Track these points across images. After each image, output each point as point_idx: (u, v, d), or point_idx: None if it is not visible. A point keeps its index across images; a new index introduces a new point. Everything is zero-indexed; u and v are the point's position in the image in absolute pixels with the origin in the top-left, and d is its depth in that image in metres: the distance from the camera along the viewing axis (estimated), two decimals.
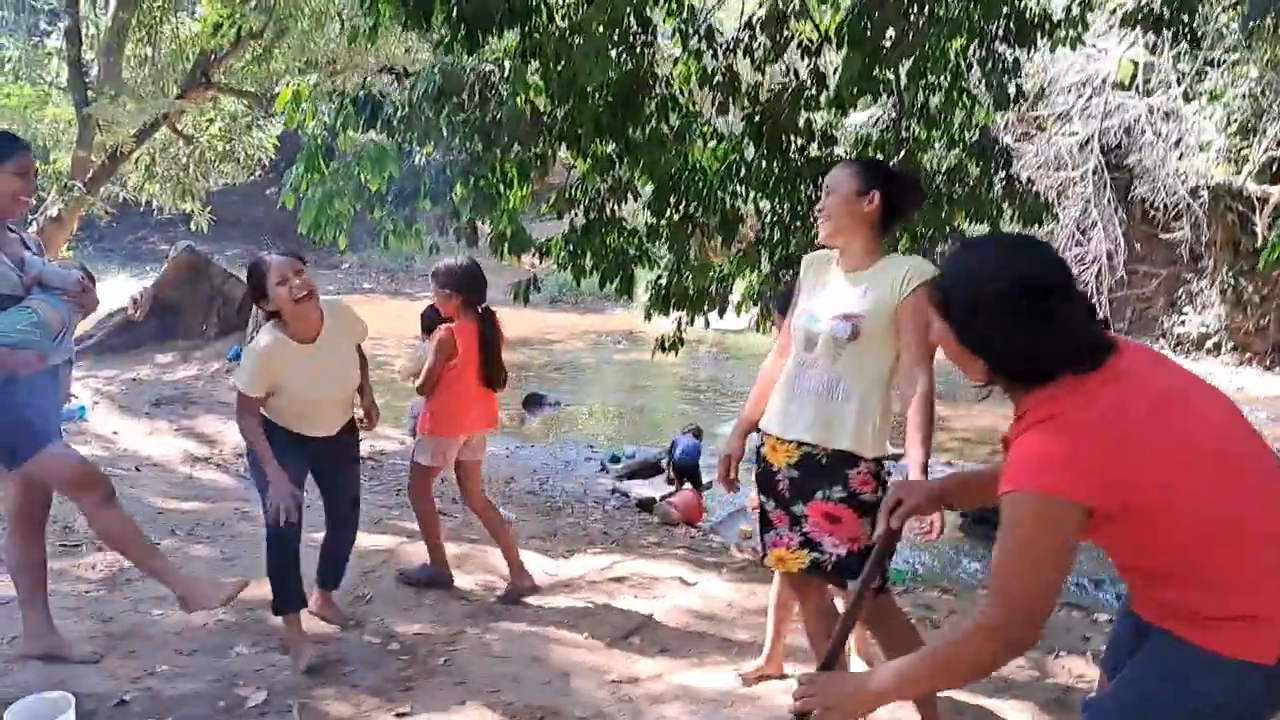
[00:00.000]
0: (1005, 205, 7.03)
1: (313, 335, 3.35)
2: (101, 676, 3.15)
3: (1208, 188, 12.56)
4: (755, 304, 7.36)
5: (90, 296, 3.13)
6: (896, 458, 2.75)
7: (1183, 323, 14.88)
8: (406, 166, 6.27)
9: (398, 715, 3.01)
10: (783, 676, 3.40)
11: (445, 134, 6.07)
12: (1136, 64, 11.62)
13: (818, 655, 2.72)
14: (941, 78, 6.83)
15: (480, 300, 4.18)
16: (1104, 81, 12.33)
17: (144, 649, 3.39)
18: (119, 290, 15.53)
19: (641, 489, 8.51)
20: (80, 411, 7.45)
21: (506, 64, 6.01)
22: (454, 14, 5.40)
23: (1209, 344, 14.73)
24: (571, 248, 6.88)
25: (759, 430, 2.87)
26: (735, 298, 7.39)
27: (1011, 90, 6.47)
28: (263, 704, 3.05)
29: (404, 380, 4.29)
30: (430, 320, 4.95)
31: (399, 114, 5.94)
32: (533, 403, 12.63)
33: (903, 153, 6.98)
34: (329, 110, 6.00)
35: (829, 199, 2.70)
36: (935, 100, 6.93)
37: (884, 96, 7.01)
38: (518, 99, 5.95)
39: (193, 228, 14.63)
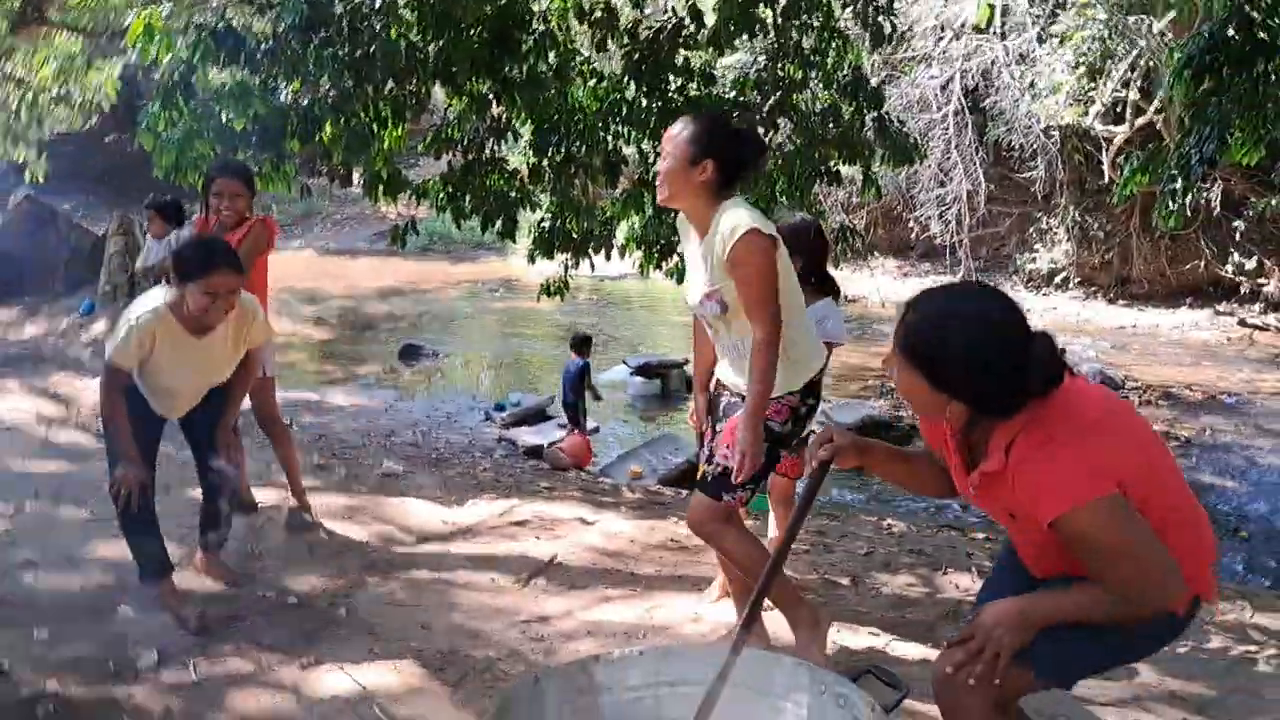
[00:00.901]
0: (876, 145, 7.15)
1: (205, 332, 3.15)
2: None
3: (1058, 128, 13.12)
4: (639, 247, 7.32)
5: None
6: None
7: (1034, 260, 15.62)
8: (272, 104, 5.94)
9: (302, 666, 2.90)
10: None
11: (313, 69, 5.77)
12: (993, 7, 12.00)
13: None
14: (815, 17, 6.88)
15: None
16: (963, 25, 12.70)
17: (19, 616, 3.16)
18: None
19: (529, 436, 8.46)
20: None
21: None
22: None
23: (1057, 279, 15.52)
24: (450, 189, 6.69)
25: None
26: (619, 240, 7.33)
27: (886, 28, 6.55)
28: (155, 664, 2.89)
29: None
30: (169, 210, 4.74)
31: (262, 48, 5.61)
32: (409, 354, 12.35)
33: (779, 93, 7.04)
34: (186, 44, 5.62)
35: (664, 163, 2.72)
36: (809, 41, 6.97)
37: (760, 36, 7.03)
38: (390, 32, 5.69)
39: (28, 178, 13.68)
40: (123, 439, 3.07)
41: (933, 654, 3.12)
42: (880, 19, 6.47)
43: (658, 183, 2.77)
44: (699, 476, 2.90)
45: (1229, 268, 14.17)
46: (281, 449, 4.27)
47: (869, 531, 4.88)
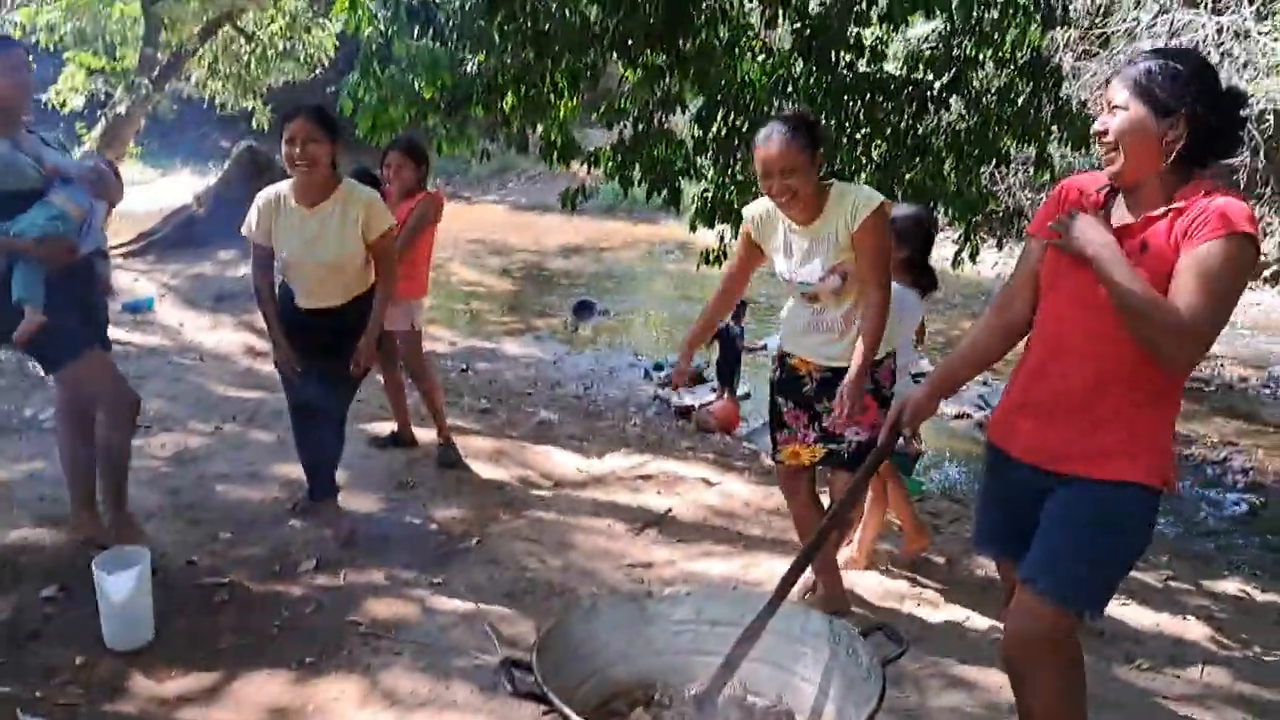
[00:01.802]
0: (1054, 127, 7.00)
1: (311, 203, 3.45)
2: (172, 539, 3.52)
3: (1274, 111, 12.20)
4: None
5: (106, 184, 3.21)
6: None
7: None
8: (459, 74, 6.41)
9: (431, 584, 3.35)
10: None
11: (497, 42, 6.19)
12: None
13: (803, 539, 3.16)
14: None
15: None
16: None
17: (207, 519, 3.76)
18: (184, 186, 15.96)
19: (683, 396, 8.77)
20: (149, 303, 7.86)
21: None
22: None
23: (1267, 274, 14.47)
24: (620, 158, 7.01)
25: (779, 345, 3.30)
26: None
27: (1059, 11, 6.41)
28: (313, 569, 3.40)
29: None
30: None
31: (451, 23, 6.07)
32: (583, 310, 12.88)
33: (953, 70, 6.98)
34: (384, 17, 6.15)
35: (792, 179, 2.86)
36: (990, 16, 6.86)
37: (937, 13, 6.97)
38: (565, 11, 6.04)
39: (254, 125, 14.93)
40: (271, 325, 3.56)
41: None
42: (1052, 0, 6.31)
43: (783, 199, 2.92)
44: (815, 458, 3.16)
45: None
46: (428, 396, 4.75)
47: None
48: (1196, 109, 1.88)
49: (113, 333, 6.87)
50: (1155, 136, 1.90)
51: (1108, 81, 2.04)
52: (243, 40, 13.64)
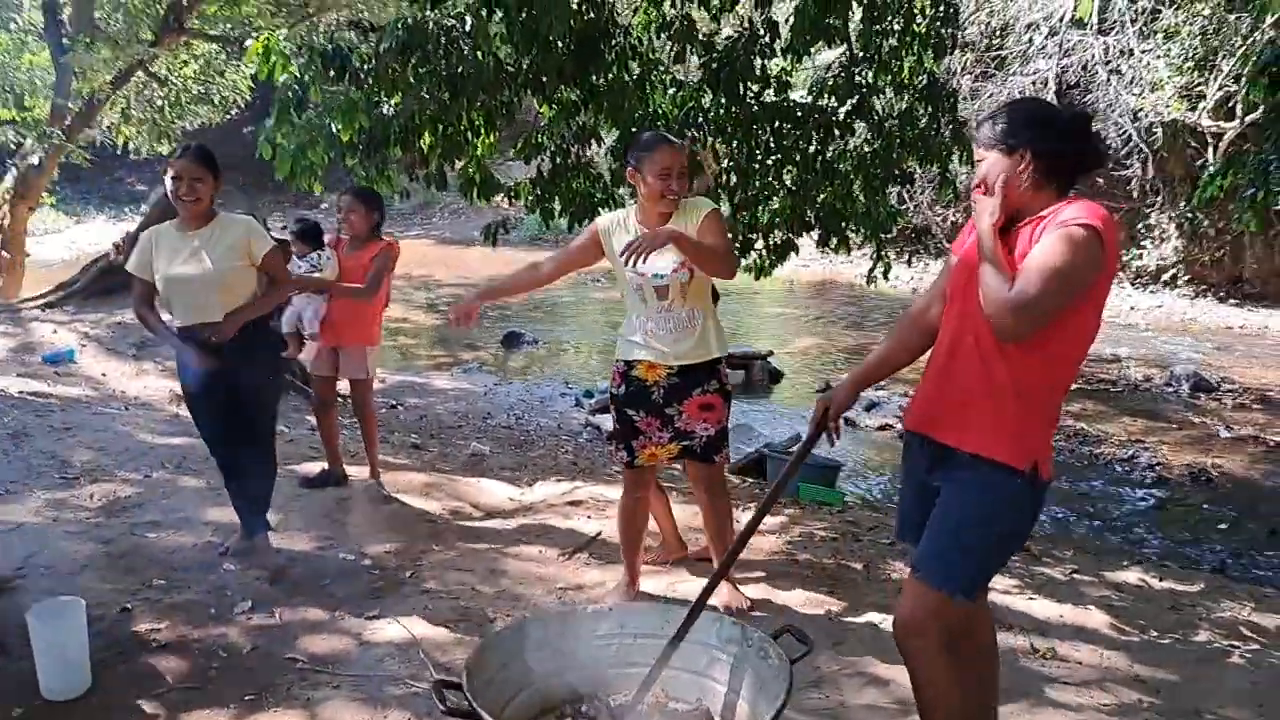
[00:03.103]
0: (954, 147, 7.33)
1: (192, 229, 3.69)
2: (106, 588, 3.55)
3: (1162, 124, 12.86)
4: None
5: None
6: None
7: (1140, 256, 15.30)
8: (375, 116, 6.51)
9: (366, 617, 3.43)
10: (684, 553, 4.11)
11: (413, 84, 6.31)
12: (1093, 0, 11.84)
13: (624, 544, 3.66)
14: (895, 21, 7.09)
15: None
16: (1062, 20, 12.55)
17: (141, 567, 3.79)
18: (100, 233, 15.68)
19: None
20: (69, 354, 7.78)
21: (469, 19, 6.22)
22: None
23: (1166, 276, 15.17)
24: (540, 192, 7.16)
25: (621, 361, 3.53)
26: None
27: (949, 39, 6.75)
28: (249, 610, 3.46)
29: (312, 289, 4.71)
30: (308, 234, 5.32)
31: (366, 67, 6.18)
32: (511, 341, 12.99)
33: (856, 97, 7.29)
34: (298, 63, 6.23)
35: (679, 181, 3.29)
36: (888, 45, 7.17)
37: (837, 42, 7.27)
38: (479, 52, 6.19)
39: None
40: (162, 329, 3.76)
41: None
42: (945, 29, 6.65)
43: (669, 197, 3.29)
44: (671, 455, 3.49)
45: None
46: (367, 434, 4.86)
47: None
48: (1036, 140, 2.18)
49: (34, 386, 6.88)
50: (1011, 171, 2.20)
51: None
52: (156, 85, 13.54)
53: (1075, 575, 4.35)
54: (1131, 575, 4.48)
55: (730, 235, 7.48)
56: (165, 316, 3.86)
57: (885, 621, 3.56)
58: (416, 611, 3.50)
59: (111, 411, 6.26)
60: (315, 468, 5.05)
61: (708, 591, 2.42)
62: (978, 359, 2.23)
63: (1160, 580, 4.47)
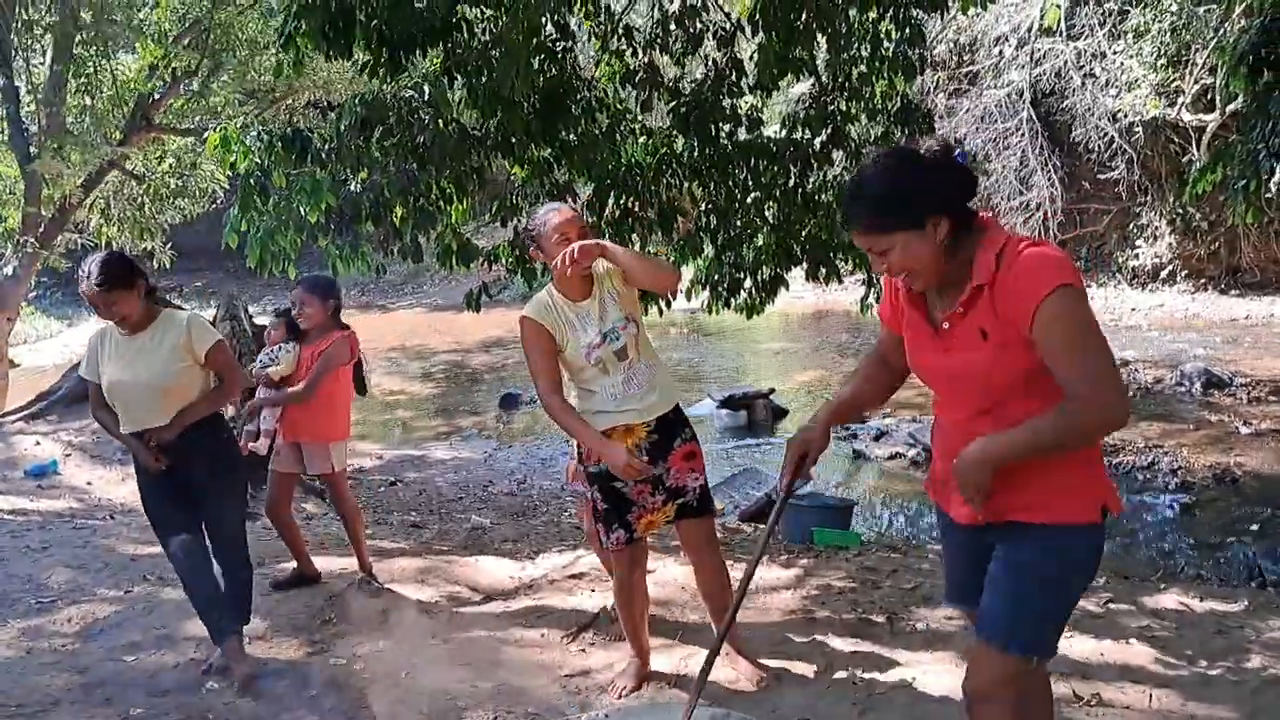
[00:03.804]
0: None
1: (132, 332, 3.56)
2: None
3: (1142, 123, 12.77)
4: (705, 287, 7.54)
5: None
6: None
7: (1136, 256, 15.14)
8: (343, 195, 6.38)
9: None
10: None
11: (378, 159, 6.18)
12: (1060, 7, 11.80)
13: (627, 625, 3.44)
14: (862, 48, 6.98)
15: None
16: (1030, 30, 12.51)
17: (119, 696, 3.55)
18: (88, 338, 15.62)
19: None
20: (52, 465, 7.58)
21: (426, 88, 6.12)
22: (374, 40, 5.52)
23: (1163, 274, 14.99)
24: (519, 253, 7.02)
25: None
26: (684, 284, 7.54)
27: (916, 61, 6.65)
28: None
29: (275, 379, 4.56)
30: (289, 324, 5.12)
31: (327, 146, 6.05)
32: (508, 403, 12.80)
33: (830, 127, 7.17)
34: (259, 149, 6.11)
35: (584, 261, 3.08)
36: (858, 72, 7.07)
37: (805, 75, 7.17)
38: (439, 121, 6.08)
39: (156, 265, 14.72)
40: (117, 431, 3.63)
41: (953, 687, 3.22)
42: (911, 50, 6.55)
43: (574, 272, 3.11)
44: (668, 518, 3.28)
45: None
46: (351, 529, 4.64)
47: (928, 564, 4.93)
48: (936, 200, 1.95)
49: (16, 503, 6.67)
50: (929, 243, 1.96)
51: (853, 229, 2.06)
52: (133, 182, 13.49)
53: (1111, 605, 4.10)
54: (1170, 599, 4.23)
55: (717, 277, 7.40)
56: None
57: (916, 680, 3.33)
58: (410, 718, 3.26)
59: (94, 524, 6.04)
60: (288, 566, 4.81)
61: (707, 669, 2.20)
62: (999, 430, 2.01)
63: (1201, 601, 4.22)
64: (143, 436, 3.55)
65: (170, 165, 14.11)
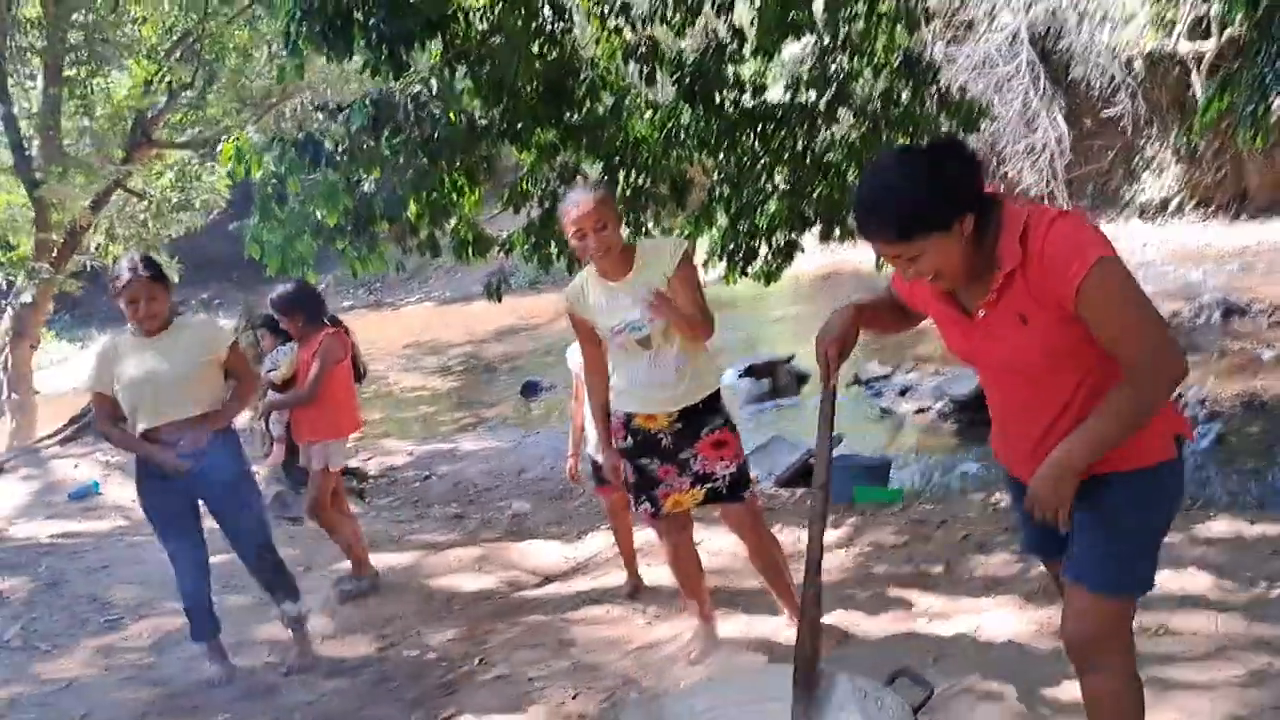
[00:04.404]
0: (941, 117, 7.19)
1: (151, 333, 3.57)
2: None
3: (1142, 56, 12.72)
4: (721, 258, 7.56)
5: None
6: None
7: (1143, 190, 15.10)
8: (358, 196, 6.40)
9: (442, 719, 3.26)
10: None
11: (389, 157, 6.20)
12: None
13: (684, 588, 3.46)
14: (859, 4, 6.96)
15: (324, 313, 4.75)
16: None
17: (204, 703, 3.63)
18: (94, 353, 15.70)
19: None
20: (94, 486, 7.66)
21: (433, 82, 6.12)
22: (373, 38, 5.52)
23: (1172, 205, 14.96)
24: (534, 239, 7.05)
25: (620, 413, 3.31)
26: (701, 256, 7.56)
27: (919, 13, 6.64)
28: None
29: (279, 383, 4.60)
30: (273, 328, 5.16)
31: (339, 148, 6.07)
32: (530, 390, 12.84)
33: (834, 86, 7.16)
34: (272, 157, 6.13)
35: (606, 232, 3.10)
36: (857, 28, 7.04)
37: (806, 34, 7.15)
38: (449, 113, 6.09)
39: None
40: (130, 439, 3.58)
41: (1019, 631, 3.28)
42: (910, 3, 6.53)
43: (600, 254, 3.13)
44: (698, 500, 3.27)
45: None
46: (334, 535, 4.69)
47: (974, 512, 4.98)
48: (960, 198, 1.89)
49: (65, 526, 6.74)
50: (955, 243, 1.91)
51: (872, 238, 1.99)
52: (135, 200, 13.54)
53: (1165, 537, 4.14)
54: (1221, 525, 4.27)
55: (732, 247, 7.42)
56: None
57: (981, 627, 3.38)
58: (493, 703, 3.33)
59: (145, 540, 6.12)
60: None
61: (803, 641, 2.24)
62: (1046, 417, 2.01)
63: (1252, 524, 4.26)
64: (163, 436, 3.53)
65: (170, 180, 14.17)
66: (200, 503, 3.74)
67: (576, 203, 3.14)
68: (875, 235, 1.94)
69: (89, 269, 15.21)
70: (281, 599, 3.80)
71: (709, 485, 3.24)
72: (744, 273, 7.64)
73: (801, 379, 10.81)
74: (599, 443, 3.49)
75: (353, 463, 8.38)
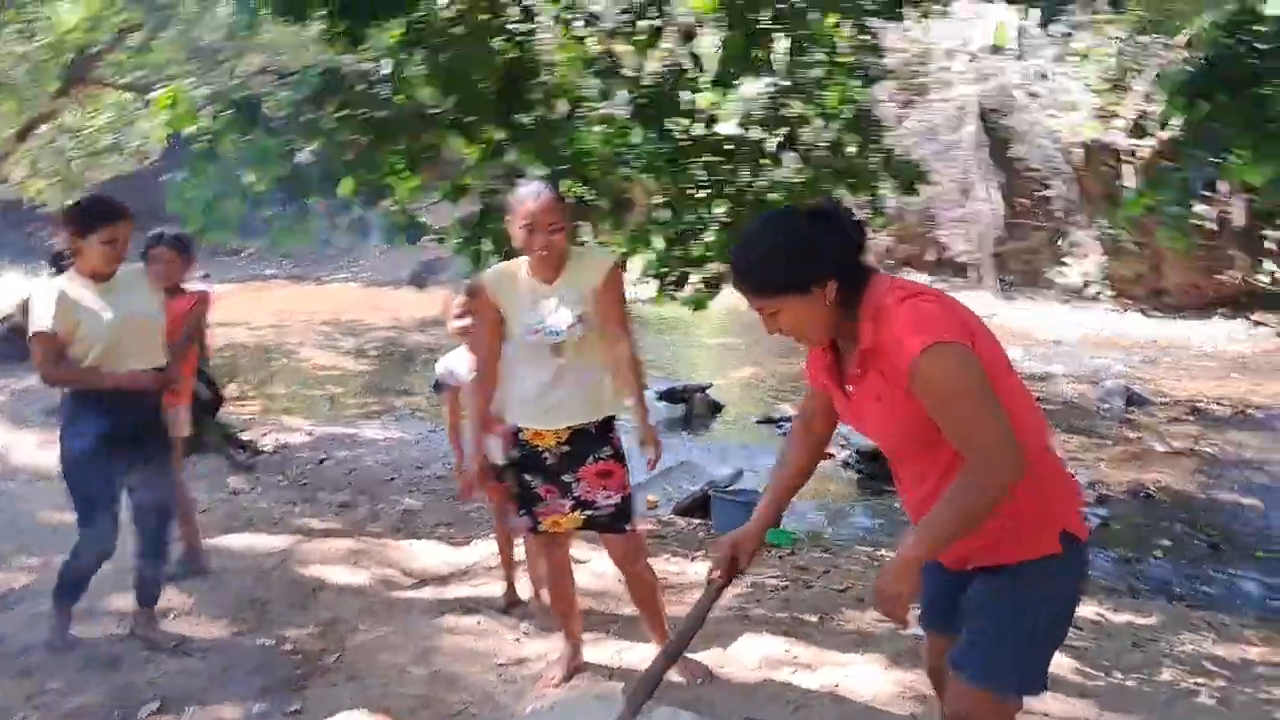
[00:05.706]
0: (882, 176, 7.30)
1: (107, 276, 3.49)
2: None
3: (1082, 144, 13.14)
4: (654, 279, 7.55)
5: None
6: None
7: (1066, 273, 15.57)
8: (292, 165, 6.25)
9: (285, 715, 3.15)
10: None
11: (333, 130, 6.07)
12: (1012, 26, 12.08)
13: (554, 607, 3.44)
14: (819, 53, 7.03)
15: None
16: (980, 46, 12.79)
17: (37, 667, 3.46)
18: (18, 291, 15.06)
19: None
20: None
21: (388, 61, 6.02)
22: (334, 6, 5.41)
23: (1091, 291, 15.44)
24: (468, 234, 6.96)
25: (511, 423, 3.26)
26: (633, 275, 7.53)
27: (877, 70, 6.74)
28: (157, 710, 3.16)
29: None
30: None
31: (281, 114, 5.93)
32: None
33: (785, 129, 7.22)
34: (209, 115, 5.96)
35: (555, 234, 3.04)
36: (816, 74, 7.12)
37: (764, 74, 7.20)
38: (399, 96, 5.99)
39: None
40: (93, 374, 3.43)
41: (879, 692, 3.29)
42: (867, 59, 6.63)
43: (543, 255, 3.06)
44: (577, 525, 3.25)
45: (1263, 277, 14.04)
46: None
47: (859, 565, 5.02)
48: (823, 264, 1.92)
49: None
50: (817, 306, 1.94)
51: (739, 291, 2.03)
52: (65, 137, 13.06)
53: None
54: (1088, 610, 4.37)
55: (665, 270, 7.42)
56: None
57: (848, 679, 3.39)
58: (342, 704, 3.22)
59: (11, 488, 5.86)
60: (239, 541, 4.72)
61: (654, 667, 2.22)
62: (932, 471, 2.01)
63: (1117, 613, 4.37)
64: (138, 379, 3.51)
65: (106, 120, 13.69)
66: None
67: (537, 194, 3.07)
68: (740, 288, 1.99)
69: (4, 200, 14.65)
70: (152, 568, 3.70)
71: (589, 512, 3.19)
72: (673, 297, 7.64)
73: (716, 408, 10.86)
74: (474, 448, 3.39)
75: (246, 435, 8.16)
